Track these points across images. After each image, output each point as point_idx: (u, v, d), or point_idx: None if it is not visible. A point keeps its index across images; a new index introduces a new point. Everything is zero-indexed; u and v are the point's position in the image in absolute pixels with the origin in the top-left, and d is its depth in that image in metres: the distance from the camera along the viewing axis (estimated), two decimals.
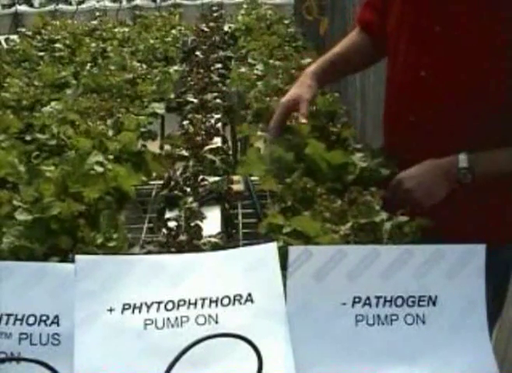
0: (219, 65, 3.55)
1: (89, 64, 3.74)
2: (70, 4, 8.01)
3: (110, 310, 1.07)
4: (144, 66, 3.71)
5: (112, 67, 3.54)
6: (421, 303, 1.12)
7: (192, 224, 1.41)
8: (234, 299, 1.08)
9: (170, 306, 1.07)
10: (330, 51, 1.87)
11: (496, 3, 1.50)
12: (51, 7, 7.85)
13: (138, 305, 1.07)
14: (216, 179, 1.76)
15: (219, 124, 2.56)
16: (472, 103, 1.55)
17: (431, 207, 1.52)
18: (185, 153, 2.09)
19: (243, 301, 1.08)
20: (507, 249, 1.65)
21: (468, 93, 1.55)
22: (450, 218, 1.51)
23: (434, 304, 1.12)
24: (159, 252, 1.34)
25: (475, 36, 1.52)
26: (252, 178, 1.85)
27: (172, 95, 3.22)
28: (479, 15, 1.52)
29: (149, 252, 1.34)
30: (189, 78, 3.33)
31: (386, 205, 1.42)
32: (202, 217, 1.49)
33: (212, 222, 1.54)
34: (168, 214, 1.63)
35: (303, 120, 1.66)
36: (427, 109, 1.61)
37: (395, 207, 1.41)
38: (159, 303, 1.07)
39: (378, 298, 1.12)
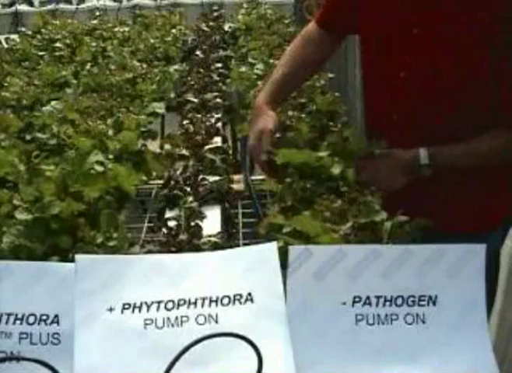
0: (219, 65, 3.55)
1: (89, 64, 3.74)
2: (70, 3, 8.01)
3: (110, 309, 1.07)
4: (144, 65, 3.71)
5: (112, 67, 3.54)
6: (421, 303, 1.12)
7: (192, 223, 1.41)
8: (234, 299, 1.08)
9: (170, 306, 1.07)
10: (276, 72, 1.83)
11: (473, 4, 1.52)
12: (51, 6, 7.85)
13: (138, 304, 1.07)
14: (216, 178, 1.76)
15: (219, 124, 2.56)
16: (450, 102, 1.57)
17: (415, 197, 1.57)
18: (185, 152, 2.09)
19: (243, 300, 1.08)
20: (490, 237, 1.67)
21: (446, 92, 1.58)
22: (433, 207, 1.54)
23: (434, 303, 1.12)
24: (159, 252, 1.34)
25: (453, 37, 1.55)
26: (252, 177, 1.85)
27: (172, 95, 3.22)
28: (457, 15, 1.53)
29: (149, 252, 1.34)
30: (189, 78, 3.33)
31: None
32: (202, 217, 1.49)
33: (212, 222, 1.54)
34: (168, 214, 1.63)
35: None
36: (408, 109, 1.63)
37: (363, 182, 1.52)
38: (159, 302, 1.07)
39: (378, 297, 1.12)
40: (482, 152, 1.57)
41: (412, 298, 1.12)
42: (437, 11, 1.56)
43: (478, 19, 1.51)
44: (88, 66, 3.66)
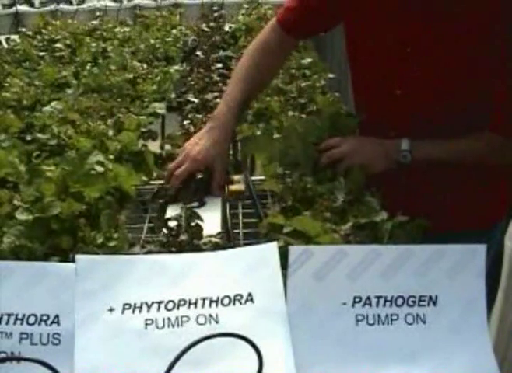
0: (219, 65, 3.55)
1: (89, 64, 3.75)
2: (71, 3, 8.01)
3: (111, 310, 1.07)
4: (144, 66, 3.72)
5: (112, 67, 3.55)
6: (421, 303, 1.12)
7: (192, 223, 1.41)
8: (234, 299, 1.08)
9: (170, 306, 1.07)
10: (233, 88, 1.79)
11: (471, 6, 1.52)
12: (52, 7, 7.85)
13: (138, 304, 1.07)
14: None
15: None
16: (443, 103, 1.60)
17: (414, 197, 1.58)
18: None
19: (243, 300, 1.08)
20: (491, 235, 1.67)
21: (440, 93, 1.60)
22: (432, 207, 1.54)
23: (434, 304, 1.12)
24: (160, 252, 1.34)
25: (450, 44, 1.55)
26: (252, 178, 1.85)
27: (172, 95, 3.22)
28: (454, 24, 1.54)
29: (149, 252, 1.34)
30: (189, 78, 3.33)
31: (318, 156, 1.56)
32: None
33: (212, 222, 1.54)
34: (168, 214, 1.63)
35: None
36: (404, 121, 1.65)
37: (325, 163, 1.55)
38: (159, 303, 1.07)
39: (378, 297, 1.12)
40: (461, 151, 1.58)
41: (412, 299, 1.12)
42: (431, 23, 1.55)
43: (478, 23, 1.51)
44: (88, 66, 3.66)
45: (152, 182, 2.01)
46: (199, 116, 2.58)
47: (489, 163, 1.62)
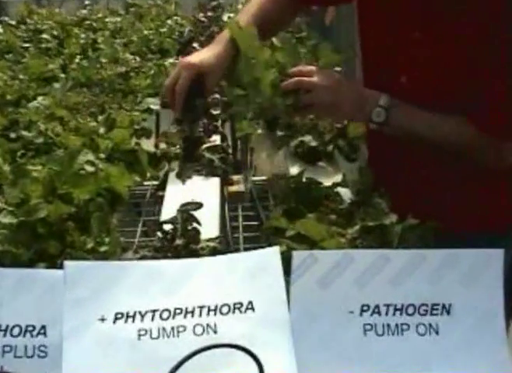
0: None
1: (78, 57, 3.76)
2: None
3: (102, 319, 1.07)
4: (137, 59, 3.72)
5: (103, 60, 3.56)
6: (434, 312, 1.12)
7: (189, 227, 1.42)
8: (234, 307, 1.08)
9: (165, 315, 1.08)
10: (242, 17, 1.73)
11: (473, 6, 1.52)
12: None
13: (131, 313, 1.07)
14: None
15: (218, 121, 2.56)
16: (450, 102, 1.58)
17: (423, 197, 1.56)
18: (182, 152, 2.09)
19: (243, 309, 1.09)
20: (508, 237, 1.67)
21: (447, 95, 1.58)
22: (443, 207, 1.55)
23: (448, 313, 1.13)
24: (154, 258, 1.34)
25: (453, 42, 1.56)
26: (253, 178, 1.86)
27: None
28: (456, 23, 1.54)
29: (143, 258, 1.35)
30: None
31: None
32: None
33: (210, 225, 1.55)
34: (164, 217, 1.64)
35: None
36: None
37: (288, 88, 1.49)
38: (153, 312, 1.08)
39: (388, 306, 1.12)
40: (445, 131, 1.54)
41: (424, 307, 1.12)
42: (442, 11, 1.56)
43: (478, 23, 1.52)
44: (77, 59, 3.67)
45: (146, 183, 2.02)
46: None
47: (470, 158, 1.59)
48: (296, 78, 1.52)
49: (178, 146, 2.05)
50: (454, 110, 1.55)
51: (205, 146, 2.12)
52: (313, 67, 1.56)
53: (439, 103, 1.56)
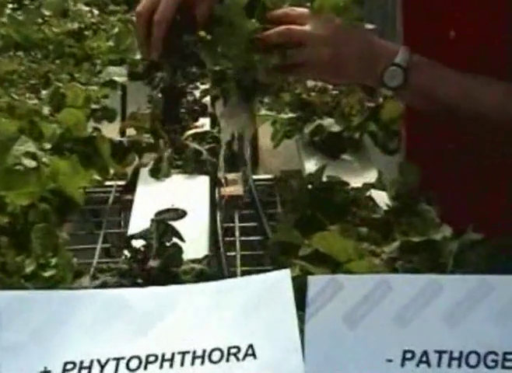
0: None
1: (10, 6, 3.74)
2: None
3: (46, 372, 1.07)
4: (95, 11, 3.72)
5: (46, 13, 3.55)
6: (507, 363, 1.12)
7: (168, 243, 1.42)
8: (229, 353, 1.08)
9: (134, 364, 1.08)
10: None
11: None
12: None
13: (86, 363, 1.07)
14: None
15: (207, 98, 2.57)
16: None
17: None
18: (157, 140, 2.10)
19: (241, 355, 1.08)
20: None
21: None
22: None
23: None
24: (120, 285, 1.35)
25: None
26: (256, 177, 1.86)
27: (137, 56, 3.23)
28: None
29: (103, 285, 1.35)
30: None
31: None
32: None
33: (196, 241, 1.55)
34: (132, 229, 1.64)
35: None
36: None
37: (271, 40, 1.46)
38: (118, 360, 1.08)
39: (440, 353, 1.12)
40: (476, 90, 1.55)
41: (492, 356, 1.12)
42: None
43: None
44: (8, 10, 3.66)
45: (108, 182, 2.03)
46: (177, 86, 2.59)
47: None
48: (282, 27, 1.48)
49: (152, 132, 2.06)
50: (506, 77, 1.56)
51: (189, 133, 2.12)
52: (305, 10, 1.53)
53: (493, 68, 1.57)
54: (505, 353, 1.11)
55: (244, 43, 1.46)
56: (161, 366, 1.07)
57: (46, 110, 2.22)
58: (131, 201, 1.87)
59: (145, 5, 1.52)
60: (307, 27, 1.49)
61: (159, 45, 1.51)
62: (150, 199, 1.88)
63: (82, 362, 1.07)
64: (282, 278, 1.14)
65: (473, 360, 1.11)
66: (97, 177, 1.94)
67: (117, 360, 1.07)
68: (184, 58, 1.54)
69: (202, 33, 1.51)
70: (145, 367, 1.07)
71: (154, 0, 1.52)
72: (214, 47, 1.49)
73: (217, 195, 1.86)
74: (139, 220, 1.67)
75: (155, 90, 2.51)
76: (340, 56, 1.51)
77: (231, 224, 1.80)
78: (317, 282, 1.12)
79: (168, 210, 1.66)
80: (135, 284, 1.35)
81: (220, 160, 1.64)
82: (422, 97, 1.56)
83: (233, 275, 1.52)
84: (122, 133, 2.46)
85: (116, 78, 2.94)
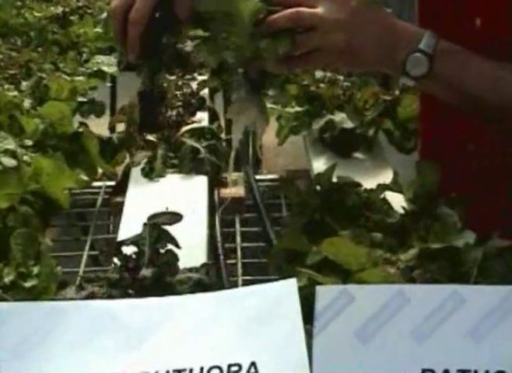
0: None
1: None
2: None
3: None
4: None
5: None
6: None
7: (162, 250, 1.42)
8: (229, 371, 1.09)
9: None
10: None
11: None
12: None
13: None
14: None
15: (206, 91, 2.57)
16: None
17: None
18: (150, 137, 2.10)
19: None
20: None
21: None
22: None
23: None
24: (109, 296, 1.35)
25: None
26: (259, 177, 1.86)
27: None
28: None
29: (91, 296, 1.35)
30: None
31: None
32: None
33: (193, 247, 1.56)
34: (123, 234, 1.65)
35: None
36: None
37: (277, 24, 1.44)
38: None
39: (464, 372, 1.12)
40: (503, 77, 1.56)
41: None
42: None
43: None
44: None
45: (96, 183, 2.03)
46: (172, 77, 2.60)
47: None
48: (292, 10, 1.47)
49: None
50: None
51: (185, 128, 2.12)
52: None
53: None
54: None
55: (247, 29, 1.44)
56: None
57: (27, 103, 2.23)
58: (121, 204, 1.88)
59: (120, 2, 1.51)
60: (319, 9, 1.47)
61: (136, 46, 1.49)
62: (142, 201, 1.88)
63: None
64: (288, 288, 1.14)
65: None
66: (84, 177, 1.95)
67: None
68: (163, 60, 1.53)
69: (199, 32, 1.50)
70: None
71: None
72: (213, 42, 1.47)
73: (216, 197, 1.86)
74: (130, 224, 1.68)
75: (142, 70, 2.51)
76: (356, 41, 1.49)
77: (231, 229, 1.80)
78: (326, 293, 1.12)
79: (162, 214, 1.65)
80: (125, 295, 1.35)
81: (230, 163, 1.63)
82: (448, 88, 1.55)
83: (234, 285, 1.53)
84: (111, 128, 2.46)
85: (105, 68, 2.95)
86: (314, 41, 1.47)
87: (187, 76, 2.58)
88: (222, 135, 2.35)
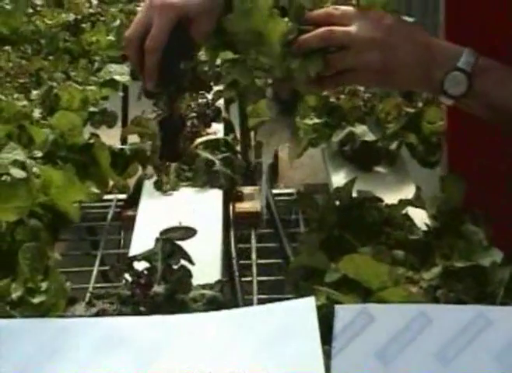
0: None
1: None
2: None
3: None
4: (94, 1, 3.73)
5: (38, 2, 3.56)
6: None
7: (175, 266, 1.42)
8: None
9: None
10: None
11: None
12: None
13: None
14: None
15: (221, 101, 2.57)
16: None
17: None
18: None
19: None
20: None
21: None
22: None
23: None
24: (120, 313, 1.35)
25: None
26: (276, 191, 1.86)
27: None
28: None
29: (101, 313, 1.35)
30: None
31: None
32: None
33: (206, 264, 1.55)
34: (134, 249, 1.65)
35: None
36: None
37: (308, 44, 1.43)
38: None
39: None
40: None
41: None
42: None
43: None
44: None
45: (107, 196, 2.03)
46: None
47: None
48: (324, 29, 1.47)
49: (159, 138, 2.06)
50: None
51: (199, 140, 2.12)
52: (349, 9, 1.52)
53: None
54: None
55: (277, 49, 1.44)
56: None
57: (37, 113, 2.23)
58: (133, 218, 1.88)
59: (135, 30, 1.52)
60: (352, 28, 1.47)
61: (154, 74, 1.50)
62: (155, 215, 1.88)
63: None
64: (306, 307, 1.14)
65: None
66: (95, 190, 1.95)
67: None
68: (182, 86, 1.53)
69: (228, 54, 1.50)
70: None
71: (144, 22, 1.51)
72: (243, 63, 1.47)
73: (231, 212, 1.86)
74: (142, 239, 1.68)
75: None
76: (392, 61, 1.49)
77: (247, 245, 1.80)
78: (345, 312, 1.12)
79: (175, 229, 1.66)
80: (136, 313, 1.35)
81: (263, 187, 1.63)
82: (488, 105, 1.53)
83: (249, 303, 1.53)
84: (123, 140, 2.46)
85: (117, 77, 2.95)
86: (347, 61, 1.47)
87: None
88: (238, 147, 2.36)
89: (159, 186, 1.99)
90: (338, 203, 1.59)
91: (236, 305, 1.33)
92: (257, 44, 1.45)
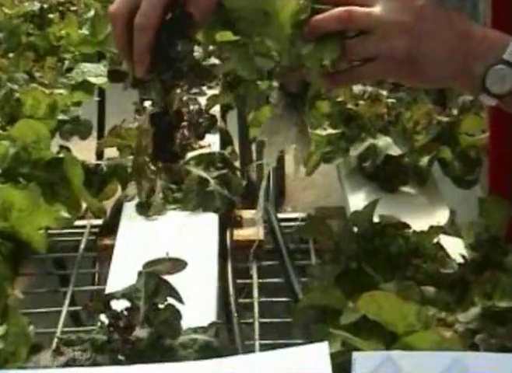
0: None
1: None
2: None
3: None
4: None
5: None
6: None
7: (161, 305, 1.43)
8: None
9: None
10: None
11: None
12: None
13: None
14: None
15: (217, 108, 2.58)
16: None
17: None
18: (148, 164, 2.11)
19: None
20: None
21: None
22: None
23: None
24: (94, 363, 1.35)
25: None
26: (282, 215, 1.87)
27: None
28: None
29: (71, 364, 1.36)
30: None
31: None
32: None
33: (199, 302, 1.56)
34: (112, 285, 1.66)
35: None
36: None
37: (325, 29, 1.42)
38: None
39: None
40: None
41: None
42: None
43: None
44: None
45: (79, 222, 2.04)
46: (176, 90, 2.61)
47: None
48: (342, 9, 1.46)
49: (139, 152, 2.07)
50: None
51: (191, 155, 2.13)
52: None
53: None
54: None
55: (286, 31, 1.43)
56: None
57: None
58: (110, 247, 1.88)
59: (122, 4, 1.49)
60: (376, 9, 1.46)
61: (145, 57, 1.47)
62: (137, 244, 1.89)
63: None
64: (318, 354, 1.15)
65: None
66: (65, 214, 1.95)
67: None
68: (179, 73, 1.51)
69: (227, 35, 1.49)
70: None
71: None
72: (244, 48, 1.47)
73: (228, 240, 1.87)
74: (121, 273, 1.69)
75: (145, 97, 2.52)
76: (422, 50, 1.48)
77: (247, 281, 1.80)
78: (365, 360, 1.13)
79: (161, 260, 1.67)
80: (115, 362, 1.35)
81: (260, 199, 1.62)
82: None
83: (250, 350, 1.53)
84: (99, 154, 2.47)
85: (91, 79, 2.96)
86: (369, 48, 1.46)
87: (194, 90, 2.58)
88: (237, 163, 2.36)
89: (141, 210, 1.99)
90: (356, 229, 1.59)
91: (235, 352, 1.33)
92: (262, 25, 1.44)
